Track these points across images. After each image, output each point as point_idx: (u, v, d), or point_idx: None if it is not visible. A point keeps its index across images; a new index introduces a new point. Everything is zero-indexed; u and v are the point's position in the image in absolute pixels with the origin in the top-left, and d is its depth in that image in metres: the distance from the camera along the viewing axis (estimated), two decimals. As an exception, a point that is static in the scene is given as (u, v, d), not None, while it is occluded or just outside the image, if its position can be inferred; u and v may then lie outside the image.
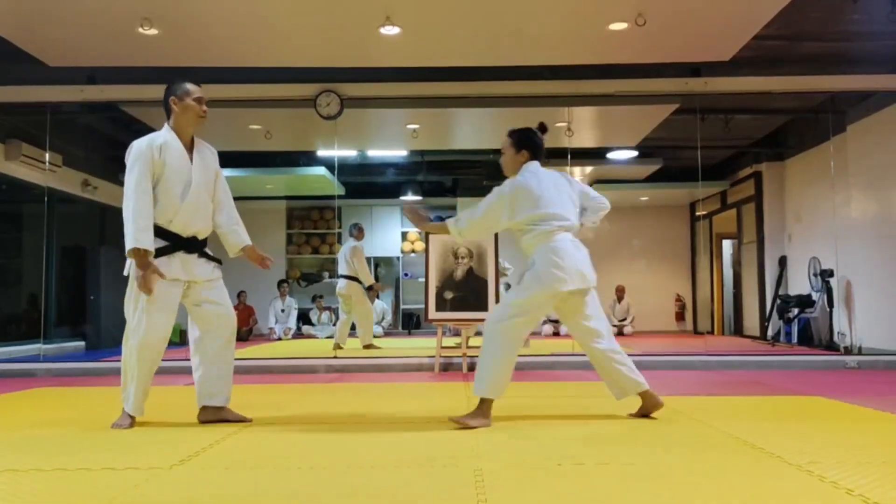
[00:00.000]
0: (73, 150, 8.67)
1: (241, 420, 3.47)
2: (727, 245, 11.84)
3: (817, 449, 2.77)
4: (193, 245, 3.49)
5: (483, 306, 6.18)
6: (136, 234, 3.29)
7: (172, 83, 3.56)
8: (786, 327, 8.68)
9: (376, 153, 10.10)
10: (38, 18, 5.61)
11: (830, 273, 7.95)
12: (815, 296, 8.30)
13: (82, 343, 8.60)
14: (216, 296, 3.52)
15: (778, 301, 9.07)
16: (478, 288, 6.23)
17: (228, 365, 3.53)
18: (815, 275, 8.15)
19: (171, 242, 3.43)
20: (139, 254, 3.31)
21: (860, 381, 5.45)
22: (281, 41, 6.16)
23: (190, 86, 3.54)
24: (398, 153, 10.15)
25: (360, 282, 8.23)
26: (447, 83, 6.98)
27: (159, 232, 3.40)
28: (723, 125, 8.26)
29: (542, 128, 3.72)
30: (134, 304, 3.45)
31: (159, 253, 3.38)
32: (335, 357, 6.79)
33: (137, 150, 3.41)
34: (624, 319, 11.21)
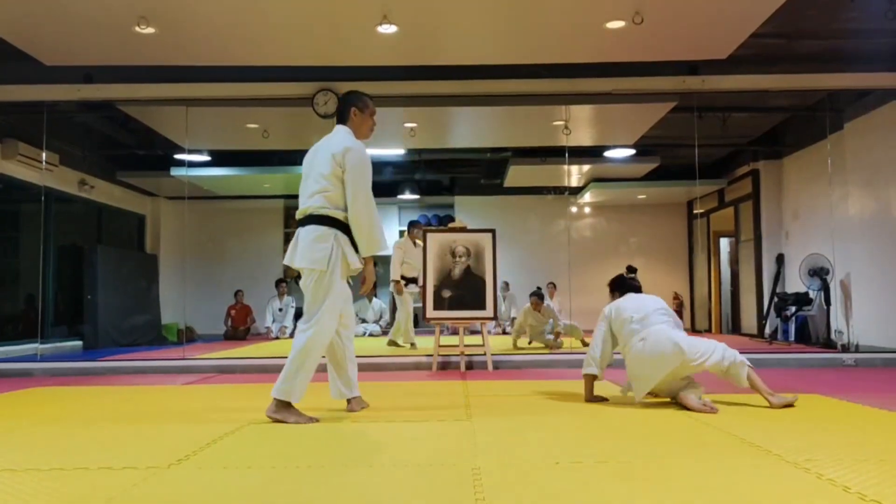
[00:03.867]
0: (70, 149, 8.66)
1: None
2: (725, 243, 11.86)
3: (815, 446, 2.78)
4: None
5: (481, 305, 6.18)
6: (382, 240, 3.53)
7: (356, 92, 3.80)
8: (783, 325, 8.69)
9: (373, 152, 10.05)
10: (35, 17, 5.60)
11: (827, 271, 7.96)
12: (812, 294, 8.31)
13: (79, 342, 8.59)
14: None
15: (775, 299, 9.08)
16: (476, 286, 6.22)
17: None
18: (809, 274, 8.15)
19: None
20: (373, 260, 3.58)
21: (857, 378, 5.46)
22: (278, 40, 6.15)
23: (370, 101, 3.80)
24: (395, 152, 10.15)
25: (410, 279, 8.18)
26: (444, 82, 6.98)
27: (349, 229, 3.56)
28: (720, 123, 8.27)
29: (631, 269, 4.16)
30: (324, 297, 3.47)
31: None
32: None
33: (366, 154, 3.58)
34: (622, 318, 11.20)
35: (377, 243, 3.51)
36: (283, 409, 3.43)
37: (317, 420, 3.44)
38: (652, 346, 3.70)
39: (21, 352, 7.50)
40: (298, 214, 3.60)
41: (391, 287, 8.22)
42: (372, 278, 3.63)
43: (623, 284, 4.23)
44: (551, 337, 7.87)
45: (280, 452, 2.79)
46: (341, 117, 3.77)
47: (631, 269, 7.64)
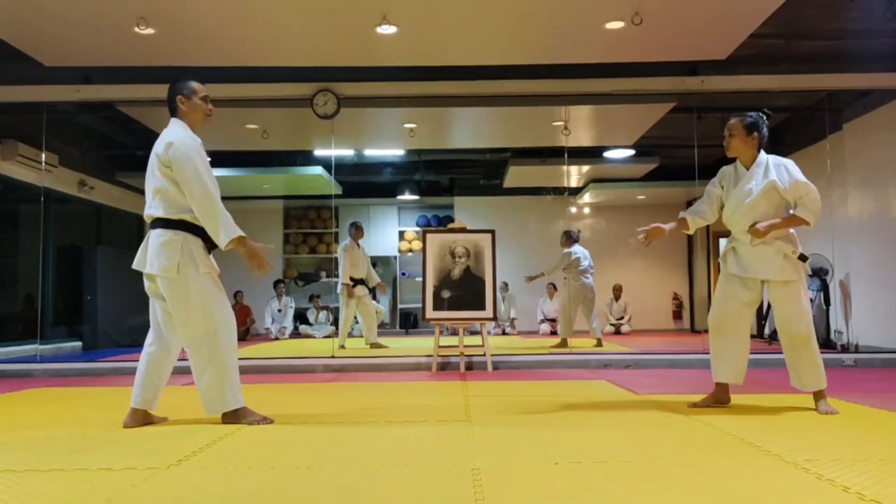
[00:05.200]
0: (70, 149, 8.66)
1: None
2: (724, 243, 11.84)
3: (814, 446, 2.78)
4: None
5: (481, 305, 6.18)
6: (231, 224, 3.31)
7: (177, 81, 3.52)
8: (783, 325, 8.68)
9: (373, 152, 10.10)
10: (35, 18, 5.60)
11: (826, 271, 7.96)
12: (811, 294, 8.31)
13: (79, 343, 8.58)
14: None
15: (775, 299, 9.07)
16: (475, 287, 6.22)
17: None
18: (808, 274, 8.14)
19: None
20: (243, 241, 3.34)
21: (857, 378, 5.46)
22: (278, 40, 6.15)
23: (196, 84, 3.51)
24: (395, 152, 10.15)
25: (361, 282, 8.29)
26: (444, 82, 6.98)
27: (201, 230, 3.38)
28: (720, 124, 8.24)
29: (767, 114, 3.88)
30: (208, 301, 3.36)
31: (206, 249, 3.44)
32: (332, 357, 6.80)
33: (190, 145, 3.34)
34: (621, 318, 11.22)
35: (231, 229, 3.28)
36: (234, 416, 3.40)
37: (271, 420, 3.43)
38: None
39: (21, 352, 7.50)
40: (146, 217, 3.42)
41: (339, 290, 8.23)
42: (255, 257, 3.38)
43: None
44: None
45: (280, 453, 2.79)
46: (171, 110, 3.51)
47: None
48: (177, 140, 3.33)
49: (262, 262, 3.42)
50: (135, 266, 3.43)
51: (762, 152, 3.80)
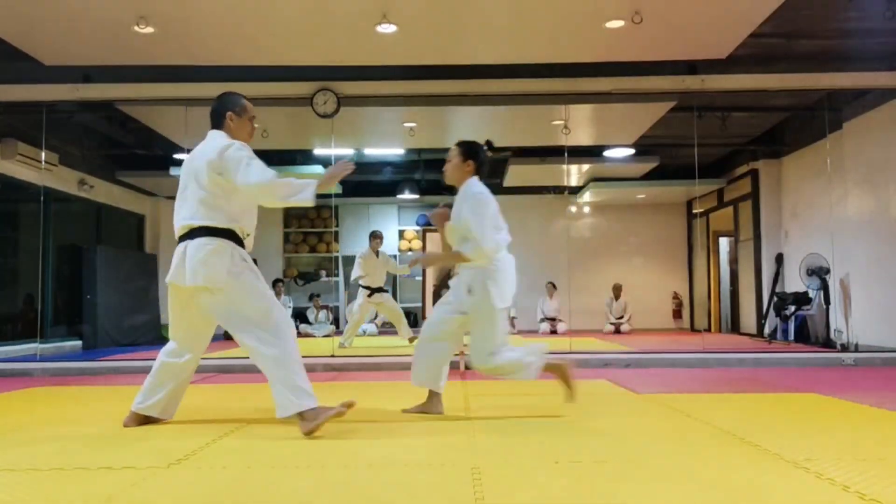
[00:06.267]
0: (69, 148, 8.65)
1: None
2: (724, 242, 11.86)
3: (814, 446, 2.78)
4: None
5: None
6: (297, 185, 3.16)
7: (229, 95, 3.46)
8: (782, 324, 8.69)
9: (373, 151, 10.09)
10: (34, 17, 5.59)
11: (827, 270, 7.97)
12: (811, 293, 8.32)
13: (79, 342, 8.58)
14: None
15: (775, 298, 9.08)
16: (475, 286, 6.22)
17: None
18: (808, 273, 8.16)
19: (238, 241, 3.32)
20: (317, 186, 3.17)
21: (857, 377, 5.46)
22: (277, 39, 6.15)
23: (248, 103, 3.47)
24: (395, 151, 10.14)
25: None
26: (444, 81, 6.98)
27: (233, 233, 3.28)
28: (719, 123, 8.27)
29: (489, 145, 3.78)
30: (263, 296, 3.26)
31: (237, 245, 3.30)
32: (332, 356, 6.80)
33: (242, 144, 3.28)
34: (621, 317, 11.22)
35: (304, 188, 3.15)
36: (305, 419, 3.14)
37: (348, 406, 3.21)
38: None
39: (21, 352, 7.50)
40: (181, 230, 3.29)
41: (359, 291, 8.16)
42: (335, 178, 3.24)
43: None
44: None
45: (280, 452, 2.79)
46: (216, 121, 3.41)
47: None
48: (232, 142, 3.25)
49: (339, 174, 3.24)
50: (169, 280, 3.28)
51: (474, 180, 3.68)
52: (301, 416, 3.12)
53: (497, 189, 11.87)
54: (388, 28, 5.79)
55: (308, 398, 3.14)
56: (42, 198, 7.72)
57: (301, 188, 3.16)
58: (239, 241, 3.30)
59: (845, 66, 6.94)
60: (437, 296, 6.27)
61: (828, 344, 7.76)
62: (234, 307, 3.23)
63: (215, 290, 3.21)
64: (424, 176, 11.22)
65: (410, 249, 11.81)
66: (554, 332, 10.71)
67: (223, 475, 2.44)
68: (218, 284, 3.18)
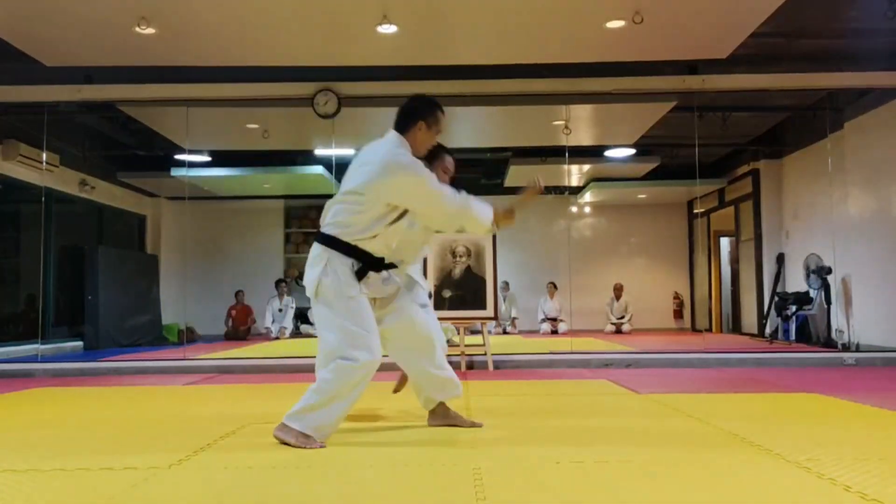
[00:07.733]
0: (71, 149, 8.66)
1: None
2: (725, 242, 11.85)
3: (815, 446, 2.78)
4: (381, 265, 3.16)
5: (481, 304, 6.19)
6: (481, 211, 3.07)
7: (429, 102, 3.16)
8: (784, 324, 8.69)
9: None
10: (36, 18, 5.60)
11: (828, 270, 7.96)
12: (812, 293, 8.31)
13: (80, 343, 8.59)
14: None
15: (776, 298, 9.08)
16: (476, 286, 6.23)
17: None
18: (812, 272, 8.16)
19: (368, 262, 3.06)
20: (497, 220, 3.10)
21: (858, 377, 5.46)
22: (278, 40, 6.15)
23: (443, 118, 3.17)
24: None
25: None
26: (444, 81, 6.97)
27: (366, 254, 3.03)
28: (720, 123, 8.27)
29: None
30: (328, 322, 2.97)
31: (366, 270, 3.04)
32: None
33: (417, 164, 3.01)
34: (622, 317, 11.21)
35: (482, 214, 3.04)
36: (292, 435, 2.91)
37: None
38: None
39: (22, 352, 7.50)
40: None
41: None
42: (522, 206, 3.12)
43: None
44: None
45: (280, 453, 2.79)
46: (402, 124, 3.10)
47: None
48: (408, 156, 3.01)
49: (528, 201, 3.18)
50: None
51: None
52: (296, 432, 2.89)
53: (497, 189, 11.87)
54: (388, 28, 5.79)
55: (316, 440, 2.88)
56: (43, 198, 7.72)
57: (478, 217, 3.07)
58: (353, 253, 3.01)
59: (846, 65, 6.93)
60: (437, 296, 6.27)
61: (829, 344, 7.76)
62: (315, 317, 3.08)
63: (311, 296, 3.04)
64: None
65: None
66: (555, 332, 10.71)
67: (224, 476, 2.44)
68: (309, 290, 3.02)
